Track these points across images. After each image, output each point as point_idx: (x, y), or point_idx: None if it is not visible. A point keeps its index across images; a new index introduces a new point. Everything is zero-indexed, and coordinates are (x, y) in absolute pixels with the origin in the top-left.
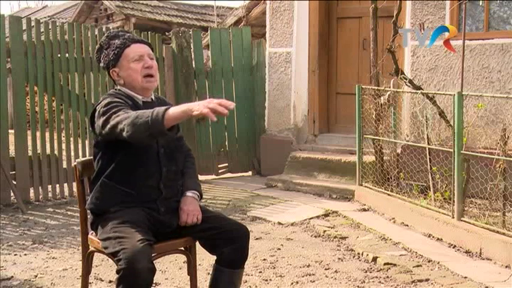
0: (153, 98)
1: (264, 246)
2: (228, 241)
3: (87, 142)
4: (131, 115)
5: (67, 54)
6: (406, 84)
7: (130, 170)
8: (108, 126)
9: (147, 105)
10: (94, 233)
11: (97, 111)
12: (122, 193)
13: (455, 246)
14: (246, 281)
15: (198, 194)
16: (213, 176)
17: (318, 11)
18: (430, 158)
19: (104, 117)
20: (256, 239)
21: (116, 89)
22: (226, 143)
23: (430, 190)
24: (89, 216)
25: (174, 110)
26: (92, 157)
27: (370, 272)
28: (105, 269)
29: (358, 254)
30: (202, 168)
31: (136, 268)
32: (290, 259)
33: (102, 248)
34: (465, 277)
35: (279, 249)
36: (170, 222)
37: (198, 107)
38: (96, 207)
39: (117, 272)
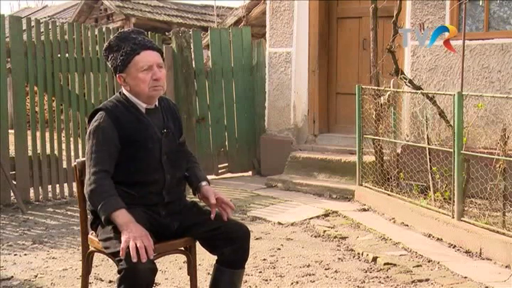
0: (156, 104)
1: (264, 246)
2: (229, 241)
3: None
4: (92, 187)
5: (67, 54)
6: (406, 84)
7: (133, 176)
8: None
9: (151, 113)
10: (94, 233)
11: (91, 125)
12: (124, 195)
13: (455, 246)
14: (246, 281)
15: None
16: (213, 176)
17: (318, 11)
18: (430, 158)
19: (86, 157)
20: (256, 239)
21: (120, 93)
22: (226, 143)
23: (430, 190)
24: (89, 217)
25: (117, 218)
26: None
27: (370, 272)
28: (105, 269)
29: (358, 254)
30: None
31: (138, 268)
32: (290, 259)
33: (103, 248)
34: (465, 277)
35: (279, 249)
36: (170, 225)
37: (125, 238)
38: None
39: (119, 272)
